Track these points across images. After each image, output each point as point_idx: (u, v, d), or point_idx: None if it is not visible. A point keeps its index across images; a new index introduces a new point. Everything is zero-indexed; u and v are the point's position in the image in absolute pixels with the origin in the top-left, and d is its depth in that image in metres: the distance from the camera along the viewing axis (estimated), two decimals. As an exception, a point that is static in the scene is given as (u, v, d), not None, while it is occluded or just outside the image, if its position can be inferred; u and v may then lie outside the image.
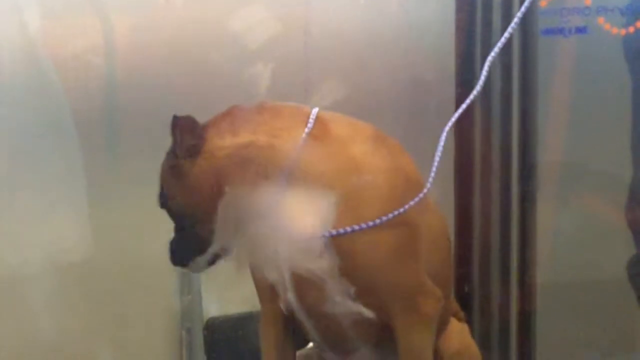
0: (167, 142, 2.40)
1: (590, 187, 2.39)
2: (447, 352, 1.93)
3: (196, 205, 1.73)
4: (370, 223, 1.67)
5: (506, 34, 1.89)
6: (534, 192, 2.48)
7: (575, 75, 2.45)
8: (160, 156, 2.42)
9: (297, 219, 1.69)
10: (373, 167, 1.71)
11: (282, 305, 1.86)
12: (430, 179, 1.76)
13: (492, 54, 1.91)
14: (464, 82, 2.58)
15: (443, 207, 2.54)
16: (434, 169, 1.78)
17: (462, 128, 2.56)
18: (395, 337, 1.78)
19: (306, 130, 1.70)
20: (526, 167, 2.49)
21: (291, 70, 2.48)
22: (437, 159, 1.80)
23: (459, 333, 1.99)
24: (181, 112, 1.74)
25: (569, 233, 2.49)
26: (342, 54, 2.59)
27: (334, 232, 1.67)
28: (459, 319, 2.04)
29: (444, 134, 1.83)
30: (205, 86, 2.47)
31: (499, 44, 1.91)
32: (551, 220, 2.51)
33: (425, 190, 1.75)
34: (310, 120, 1.71)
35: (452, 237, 2.50)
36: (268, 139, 1.70)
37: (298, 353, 2.03)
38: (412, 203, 1.71)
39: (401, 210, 1.69)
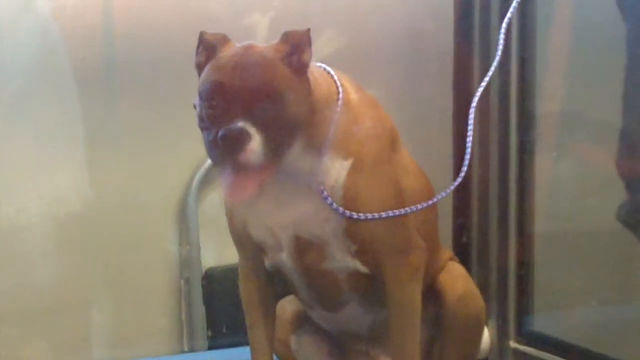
0: (163, 90, 2.42)
1: (588, 137, 2.39)
2: (452, 295, 2.01)
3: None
4: (384, 214, 1.79)
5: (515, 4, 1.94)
6: (532, 142, 2.48)
7: (574, 25, 2.44)
8: (159, 105, 2.43)
9: (324, 184, 1.77)
10: (375, 130, 1.83)
11: (267, 263, 1.88)
12: (466, 162, 1.91)
13: (506, 20, 1.94)
14: (463, 32, 2.57)
15: (441, 158, 2.56)
16: (468, 150, 1.91)
17: (461, 78, 2.56)
18: (386, 290, 1.86)
19: (340, 97, 1.77)
20: (525, 117, 2.48)
21: (290, 20, 2.47)
22: (469, 138, 1.91)
23: (464, 279, 2.06)
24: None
25: (567, 183, 2.49)
26: (341, 3, 2.58)
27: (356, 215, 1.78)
28: None
29: (472, 110, 1.91)
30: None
31: (512, 10, 1.94)
32: (549, 170, 2.51)
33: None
34: (338, 85, 1.78)
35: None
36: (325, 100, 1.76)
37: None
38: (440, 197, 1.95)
39: (418, 207, 1.86)
